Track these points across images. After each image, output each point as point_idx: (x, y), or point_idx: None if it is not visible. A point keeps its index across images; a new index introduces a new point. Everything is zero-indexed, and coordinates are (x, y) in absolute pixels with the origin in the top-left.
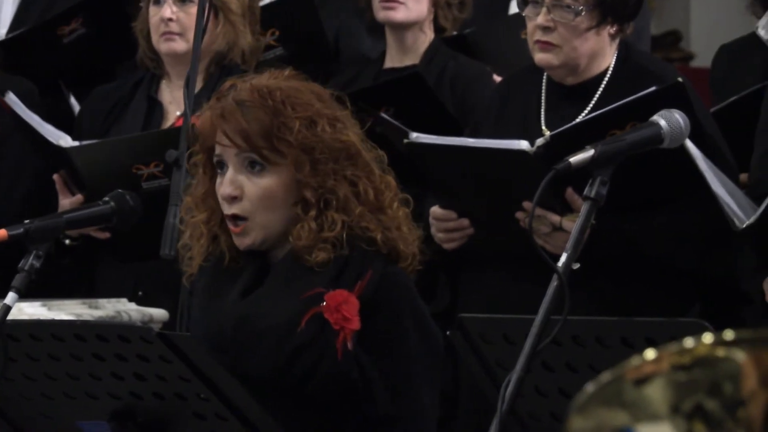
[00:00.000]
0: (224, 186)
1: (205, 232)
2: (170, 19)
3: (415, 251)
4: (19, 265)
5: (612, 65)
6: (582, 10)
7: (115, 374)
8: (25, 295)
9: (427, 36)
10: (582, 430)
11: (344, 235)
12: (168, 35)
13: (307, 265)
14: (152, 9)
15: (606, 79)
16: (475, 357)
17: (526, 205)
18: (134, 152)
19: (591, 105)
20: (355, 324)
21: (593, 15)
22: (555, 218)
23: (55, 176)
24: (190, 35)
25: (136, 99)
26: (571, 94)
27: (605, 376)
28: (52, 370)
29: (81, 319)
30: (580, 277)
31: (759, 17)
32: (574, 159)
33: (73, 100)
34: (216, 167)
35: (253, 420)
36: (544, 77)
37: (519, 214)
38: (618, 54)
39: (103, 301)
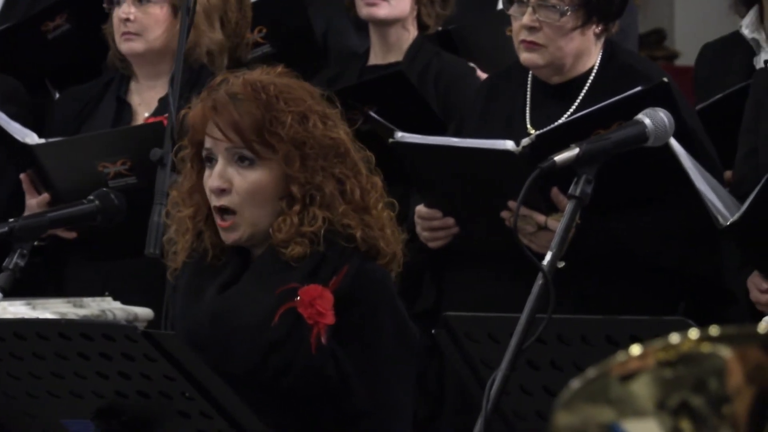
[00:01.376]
0: (213, 179)
1: (191, 227)
2: (128, 19)
3: (397, 251)
4: (4, 263)
5: (597, 64)
6: (567, 10)
7: (100, 373)
8: (10, 293)
9: (411, 33)
10: (568, 426)
11: (322, 231)
12: (126, 35)
13: (284, 259)
14: (115, 10)
15: (591, 78)
16: (460, 355)
17: (512, 204)
18: (100, 150)
19: (576, 104)
20: (329, 319)
21: (578, 15)
22: (540, 218)
23: (22, 176)
24: (149, 35)
25: (106, 100)
26: (556, 92)
27: (591, 372)
28: (36, 369)
29: (66, 317)
30: (565, 276)
31: (742, 16)
32: (559, 157)
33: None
34: (205, 161)
35: (238, 418)
36: (530, 76)
37: (504, 214)
38: (603, 53)
39: (87, 300)
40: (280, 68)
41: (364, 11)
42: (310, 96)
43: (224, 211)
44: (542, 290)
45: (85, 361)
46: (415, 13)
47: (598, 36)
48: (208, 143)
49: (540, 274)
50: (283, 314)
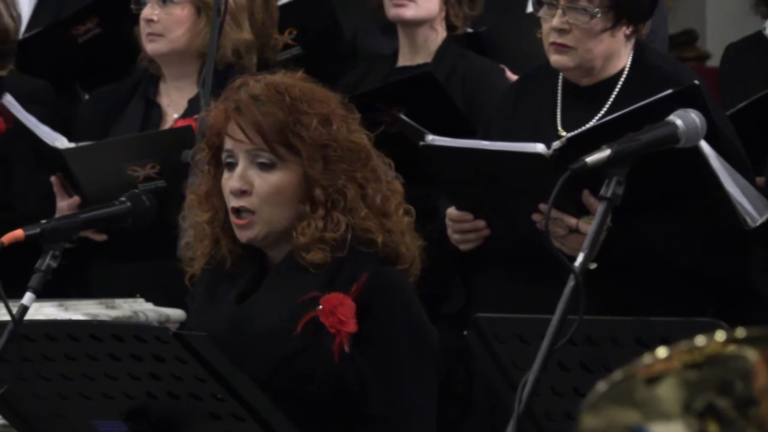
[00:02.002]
0: (234, 180)
1: (209, 233)
2: (151, 20)
3: (415, 257)
4: (36, 265)
5: (627, 66)
6: (597, 11)
7: (131, 374)
8: (42, 295)
9: (439, 34)
10: (593, 428)
11: (348, 237)
12: (150, 36)
13: (303, 265)
14: (142, 11)
15: (621, 80)
16: (490, 357)
17: (543, 207)
18: (129, 154)
19: (607, 106)
20: (351, 327)
21: (608, 17)
22: (571, 221)
23: (53, 178)
24: (172, 35)
25: (134, 101)
26: (586, 94)
27: (616, 375)
28: (68, 370)
29: (97, 319)
30: (594, 278)
31: (765, 17)
32: (590, 159)
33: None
34: (224, 163)
35: (270, 420)
36: (560, 77)
37: (536, 216)
38: (633, 54)
39: (119, 301)
40: (300, 73)
41: (391, 12)
42: (332, 100)
43: (242, 210)
44: (573, 292)
45: (116, 363)
46: (443, 14)
47: (628, 37)
48: (228, 145)
49: (571, 276)
50: (304, 323)
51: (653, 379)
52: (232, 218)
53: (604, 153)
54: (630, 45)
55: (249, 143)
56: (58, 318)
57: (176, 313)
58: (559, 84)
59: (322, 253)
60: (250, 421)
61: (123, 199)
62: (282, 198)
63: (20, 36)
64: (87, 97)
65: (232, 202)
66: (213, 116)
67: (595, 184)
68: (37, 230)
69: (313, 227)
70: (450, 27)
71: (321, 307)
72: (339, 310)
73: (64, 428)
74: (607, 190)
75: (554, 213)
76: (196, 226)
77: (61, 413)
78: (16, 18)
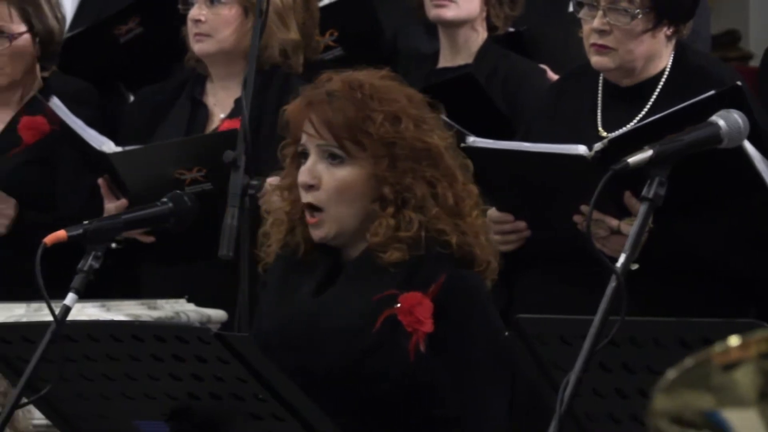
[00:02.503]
0: (302, 174)
1: (285, 220)
2: (199, 20)
3: (491, 259)
4: (78, 265)
5: (669, 66)
6: (638, 12)
7: (172, 375)
8: (84, 295)
9: (480, 34)
10: (666, 410)
11: (422, 235)
12: (198, 36)
13: (380, 264)
14: (190, 11)
15: (663, 80)
16: (532, 358)
17: (584, 208)
18: (177, 157)
19: (648, 107)
20: (428, 327)
21: (649, 17)
22: (613, 222)
23: (100, 180)
24: (220, 36)
25: (180, 101)
26: (627, 95)
27: (689, 361)
28: (110, 371)
29: (139, 319)
30: (636, 278)
31: None
32: (633, 159)
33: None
34: (299, 157)
35: (311, 421)
36: (601, 77)
37: (577, 218)
38: (674, 55)
39: (161, 302)
40: (384, 71)
41: (432, 13)
42: (408, 99)
43: (312, 207)
44: (615, 292)
45: (158, 363)
46: (484, 15)
47: (669, 38)
48: (303, 139)
49: (613, 277)
50: (382, 321)
51: (730, 366)
52: (306, 216)
53: (646, 154)
54: (671, 45)
55: (319, 138)
56: (101, 319)
57: (218, 314)
58: (600, 84)
59: (400, 252)
60: (291, 422)
61: (165, 199)
62: (349, 194)
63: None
64: (132, 96)
65: (303, 197)
66: (290, 110)
67: (637, 185)
68: (80, 231)
69: (385, 226)
70: (491, 27)
71: (399, 305)
72: (417, 310)
73: (106, 428)
74: (649, 190)
75: (596, 214)
76: (273, 214)
77: (103, 413)
78: (61, 19)
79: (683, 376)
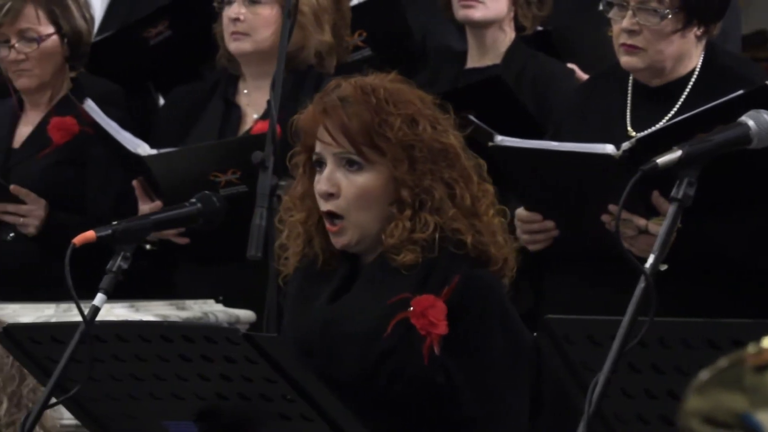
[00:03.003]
0: (321, 183)
1: (302, 232)
2: (237, 19)
3: (508, 258)
4: (107, 266)
5: (698, 66)
6: (667, 13)
7: (201, 375)
8: (113, 296)
9: (507, 35)
10: (698, 410)
11: (436, 237)
12: (235, 35)
13: (394, 266)
14: (225, 9)
15: (692, 80)
16: (560, 358)
17: (612, 208)
18: (211, 160)
19: (677, 107)
20: (442, 329)
21: (678, 18)
22: (641, 222)
23: (135, 182)
24: (258, 35)
25: (213, 101)
26: (657, 95)
27: (722, 362)
28: (138, 371)
29: (167, 320)
30: (665, 279)
31: None
32: (661, 160)
33: (162, 102)
34: (315, 165)
35: (340, 421)
36: (630, 77)
37: (605, 217)
38: (704, 55)
39: (190, 303)
40: (392, 74)
41: (460, 13)
42: (421, 101)
43: (333, 215)
44: (644, 293)
45: (186, 363)
46: (512, 15)
47: (699, 38)
48: (318, 147)
49: (642, 277)
50: (395, 324)
51: (762, 367)
52: (326, 224)
53: (675, 154)
54: (701, 45)
55: (336, 146)
56: (129, 319)
57: (246, 315)
58: (629, 84)
59: (413, 254)
60: (319, 423)
61: (193, 200)
62: (369, 200)
63: (93, 38)
64: (161, 97)
65: (322, 206)
66: (303, 119)
67: (665, 185)
68: (109, 231)
69: (400, 228)
70: (519, 28)
71: (412, 308)
72: (430, 312)
73: (134, 429)
74: (678, 191)
75: (624, 214)
76: (290, 226)
77: (132, 414)
78: (89, 20)
79: (716, 376)
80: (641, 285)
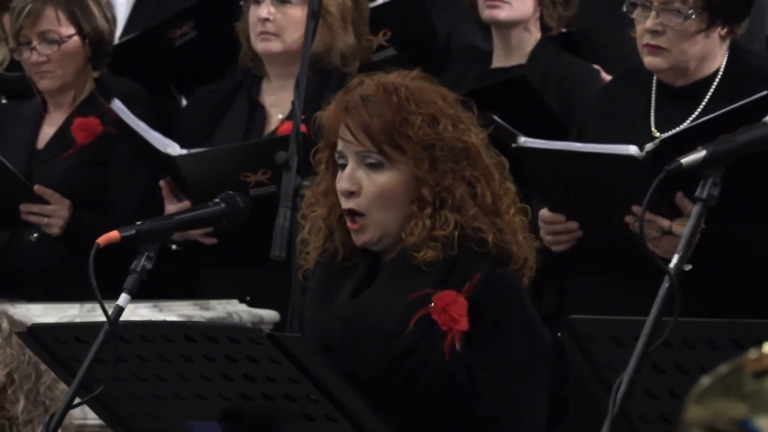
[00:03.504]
0: (342, 181)
1: (323, 227)
2: (267, 19)
3: (529, 257)
4: (131, 266)
5: (723, 66)
6: (691, 13)
7: (225, 375)
8: (137, 296)
9: (533, 35)
10: (699, 420)
11: (456, 235)
12: (264, 35)
13: (415, 264)
14: (252, 9)
15: (716, 80)
16: (584, 358)
17: (636, 209)
18: (242, 160)
19: (701, 107)
20: (464, 325)
21: (702, 18)
22: (665, 222)
23: (162, 182)
24: (287, 36)
25: (238, 101)
26: (681, 95)
27: (723, 368)
28: (162, 371)
29: (191, 320)
30: (688, 279)
31: None
32: (686, 160)
33: (184, 103)
34: (337, 163)
35: (363, 421)
36: (654, 78)
37: (629, 218)
38: (729, 55)
39: (213, 303)
40: (415, 72)
41: (485, 13)
42: (443, 99)
43: (354, 213)
44: (668, 293)
45: (210, 364)
46: (537, 15)
47: (723, 38)
48: (339, 145)
49: (666, 277)
50: (417, 320)
51: (762, 373)
52: (347, 222)
53: (700, 154)
54: (725, 45)
55: (357, 144)
56: (153, 319)
57: (270, 315)
58: (653, 84)
59: (434, 252)
60: (343, 423)
61: (217, 200)
62: (390, 199)
63: (115, 38)
64: (183, 99)
65: (343, 204)
66: (325, 116)
67: (689, 185)
68: (133, 232)
69: (420, 226)
70: (544, 28)
71: (433, 304)
72: (451, 308)
73: (159, 429)
74: (703, 191)
75: (648, 215)
76: (311, 221)
77: (156, 414)
78: (111, 20)
79: (716, 384)
80: (665, 285)
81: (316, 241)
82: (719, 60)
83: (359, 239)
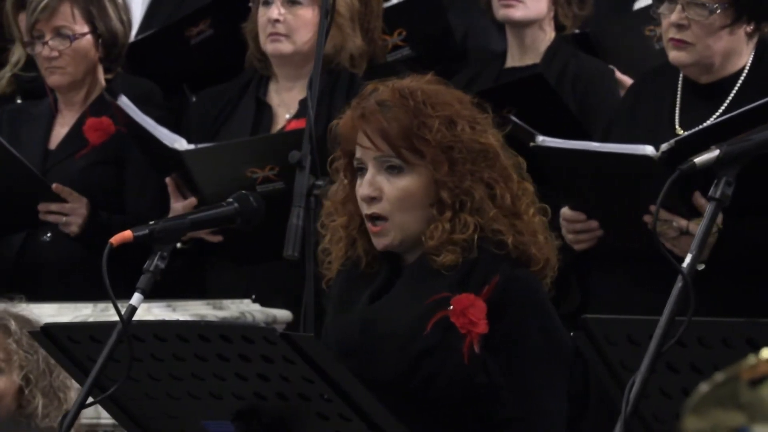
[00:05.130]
0: (363, 187)
1: (344, 236)
2: (277, 20)
3: (550, 257)
4: (144, 266)
5: (749, 64)
6: (717, 7)
7: (239, 375)
8: (151, 295)
9: (548, 34)
10: (697, 430)
11: (475, 238)
12: (274, 36)
13: (435, 267)
14: (261, 9)
15: (742, 78)
16: (599, 358)
17: (653, 208)
18: (250, 155)
19: (725, 105)
20: (482, 328)
21: (728, 13)
22: (682, 222)
23: (167, 180)
24: (297, 37)
25: (245, 101)
26: (705, 92)
27: (719, 377)
28: (176, 371)
29: (205, 319)
30: (702, 278)
31: None
32: (699, 159)
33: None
34: (356, 170)
35: (377, 421)
36: (681, 76)
37: (647, 218)
38: (755, 53)
39: (227, 302)
40: (429, 75)
41: (500, 13)
42: (459, 101)
43: (375, 217)
44: (682, 292)
45: (224, 363)
46: (552, 14)
47: (749, 35)
48: (358, 153)
49: (680, 277)
50: (435, 323)
51: (758, 381)
52: (368, 226)
53: (713, 153)
54: (752, 43)
55: (376, 150)
56: (167, 318)
57: (283, 314)
58: (679, 82)
59: (453, 255)
60: (357, 422)
61: (230, 200)
62: (412, 202)
63: (130, 40)
64: (194, 98)
65: (365, 210)
66: (342, 124)
67: (707, 185)
68: (146, 231)
69: (440, 230)
70: (559, 27)
71: (452, 307)
72: (470, 311)
73: (173, 428)
74: (716, 190)
75: (666, 215)
76: (332, 230)
77: (170, 413)
78: (126, 23)
79: (712, 393)
80: (678, 284)
81: (338, 250)
82: (745, 58)
83: (380, 242)
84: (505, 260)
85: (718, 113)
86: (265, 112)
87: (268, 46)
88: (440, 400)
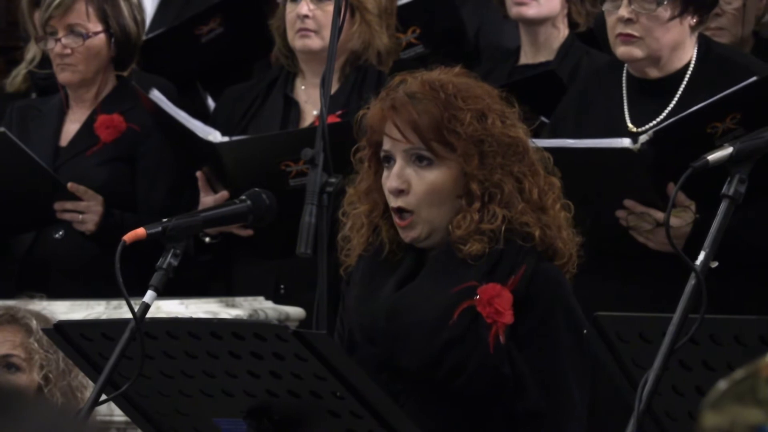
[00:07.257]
0: (391, 179)
1: (366, 223)
2: (306, 16)
3: (573, 253)
4: (157, 263)
5: (694, 58)
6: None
7: (251, 372)
8: (163, 293)
9: (561, 32)
10: (715, 426)
11: (503, 229)
12: (303, 32)
13: (461, 257)
14: (289, 6)
15: (689, 72)
16: (611, 355)
17: (628, 203)
18: (285, 149)
19: (676, 99)
20: (508, 318)
21: (675, 4)
22: (659, 214)
23: (198, 173)
24: (326, 33)
25: (272, 98)
26: (652, 88)
27: (738, 373)
28: (189, 368)
29: (217, 317)
30: (718, 275)
31: None
32: (712, 156)
33: (209, 100)
34: (383, 161)
35: (389, 418)
36: (624, 73)
37: (620, 213)
38: (699, 47)
39: (239, 300)
40: (458, 68)
41: (513, 11)
42: (488, 95)
43: (402, 210)
44: (695, 290)
45: (236, 361)
46: (565, 12)
47: (693, 29)
48: (386, 144)
49: (692, 274)
50: (461, 312)
51: None
52: (395, 219)
53: (726, 151)
54: (694, 37)
55: (406, 142)
56: (179, 316)
57: (296, 311)
58: (624, 80)
59: (480, 245)
60: (369, 419)
61: (243, 197)
62: (439, 196)
63: (142, 39)
64: (209, 96)
65: (392, 202)
66: (371, 115)
67: (685, 177)
68: (159, 229)
69: (468, 219)
70: (572, 24)
71: (478, 296)
72: (496, 301)
73: (185, 425)
74: (729, 188)
75: (641, 207)
76: (353, 218)
77: (182, 410)
78: (140, 23)
79: (731, 390)
80: (692, 282)
81: (359, 237)
82: (689, 52)
83: (408, 236)
84: (532, 253)
85: (669, 108)
86: (292, 108)
87: (297, 42)
88: (465, 390)
